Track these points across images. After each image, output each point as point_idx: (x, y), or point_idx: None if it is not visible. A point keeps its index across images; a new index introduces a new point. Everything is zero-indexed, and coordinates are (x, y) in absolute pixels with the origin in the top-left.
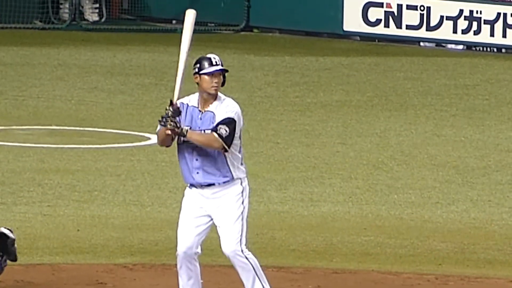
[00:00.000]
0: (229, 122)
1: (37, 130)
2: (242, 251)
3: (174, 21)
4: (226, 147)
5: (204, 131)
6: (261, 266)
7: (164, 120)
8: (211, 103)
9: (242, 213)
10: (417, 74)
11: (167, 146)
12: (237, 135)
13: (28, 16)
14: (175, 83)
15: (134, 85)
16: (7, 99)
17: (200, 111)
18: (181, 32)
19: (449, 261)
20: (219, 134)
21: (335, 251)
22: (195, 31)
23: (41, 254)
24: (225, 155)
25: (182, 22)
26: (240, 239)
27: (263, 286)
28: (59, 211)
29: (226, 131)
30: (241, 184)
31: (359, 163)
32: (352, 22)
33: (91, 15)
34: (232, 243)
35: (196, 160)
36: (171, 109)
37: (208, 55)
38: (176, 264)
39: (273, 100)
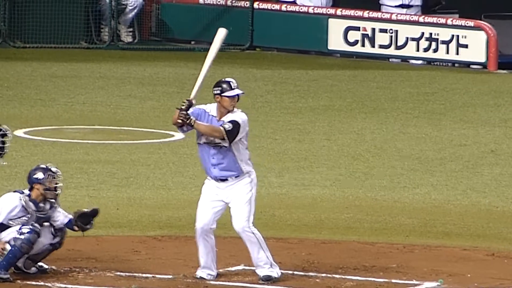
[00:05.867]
0: (234, 122)
1: (83, 129)
2: (249, 227)
3: (192, 42)
4: (227, 139)
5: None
6: (264, 237)
7: (179, 112)
8: (226, 114)
9: (250, 198)
10: (387, 84)
11: (182, 132)
12: (242, 135)
13: (75, 38)
14: (196, 83)
15: (161, 93)
16: (59, 104)
17: (217, 120)
18: (201, 49)
19: (414, 233)
20: (223, 127)
21: (323, 226)
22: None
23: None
24: (234, 154)
25: (200, 42)
26: (248, 218)
27: (266, 255)
28: (102, 194)
29: (229, 126)
30: (250, 176)
31: (341, 155)
32: (335, 42)
33: (126, 37)
34: (241, 221)
35: (213, 158)
36: (187, 102)
37: (227, 79)
38: (195, 236)
39: (271, 105)
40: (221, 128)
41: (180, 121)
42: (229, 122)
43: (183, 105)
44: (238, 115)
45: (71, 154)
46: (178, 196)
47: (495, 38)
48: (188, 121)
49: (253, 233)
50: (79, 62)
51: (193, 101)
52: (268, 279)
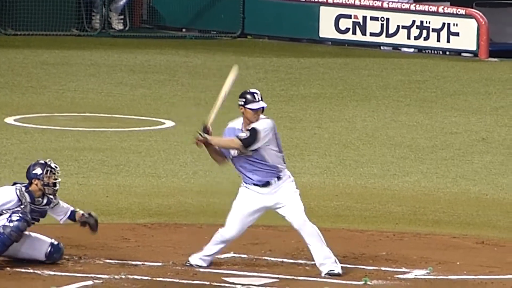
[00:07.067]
0: (252, 130)
1: (74, 116)
2: (308, 220)
3: (184, 30)
4: (244, 146)
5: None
6: (253, 224)
7: (197, 138)
8: (250, 124)
9: (299, 195)
10: (378, 71)
11: (221, 163)
12: (265, 141)
13: (66, 26)
14: (212, 111)
15: (152, 80)
16: (50, 91)
17: (243, 132)
18: (192, 37)
19: (404, 221)
20: (238, 137)
21: (313, 213)
22: (202, 37)
23: None
24: (266, 160)
25: (191, 29)
26: (304, 212)
27: (328, 249)
28: (91, 181)
29: (245, 135)
30: (290, 176)
31: (332, 143)
32: (326, 30)
33: (117, 25)
34: (300, 215)
35: (245, 168)
36: (202, 127)
37: (252, 90)
38: (185, 224)
39: (263, 93)
40: (236, 139)
41: (196, 142)
42: (246, 130)
43: (200, 131)
44: (259, 123)
45: (61, 142)
46: (168, 184)
47: (486, 26)
48: (202, 139)
49: (313, 225)
50: (70, 50)
51: (209, 126)
52: (332, 274)
